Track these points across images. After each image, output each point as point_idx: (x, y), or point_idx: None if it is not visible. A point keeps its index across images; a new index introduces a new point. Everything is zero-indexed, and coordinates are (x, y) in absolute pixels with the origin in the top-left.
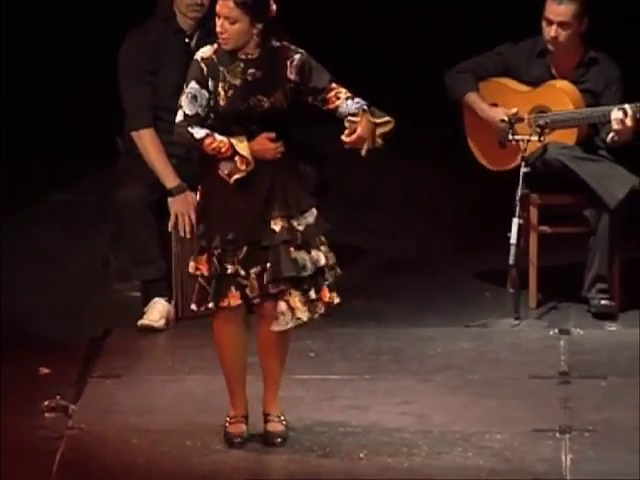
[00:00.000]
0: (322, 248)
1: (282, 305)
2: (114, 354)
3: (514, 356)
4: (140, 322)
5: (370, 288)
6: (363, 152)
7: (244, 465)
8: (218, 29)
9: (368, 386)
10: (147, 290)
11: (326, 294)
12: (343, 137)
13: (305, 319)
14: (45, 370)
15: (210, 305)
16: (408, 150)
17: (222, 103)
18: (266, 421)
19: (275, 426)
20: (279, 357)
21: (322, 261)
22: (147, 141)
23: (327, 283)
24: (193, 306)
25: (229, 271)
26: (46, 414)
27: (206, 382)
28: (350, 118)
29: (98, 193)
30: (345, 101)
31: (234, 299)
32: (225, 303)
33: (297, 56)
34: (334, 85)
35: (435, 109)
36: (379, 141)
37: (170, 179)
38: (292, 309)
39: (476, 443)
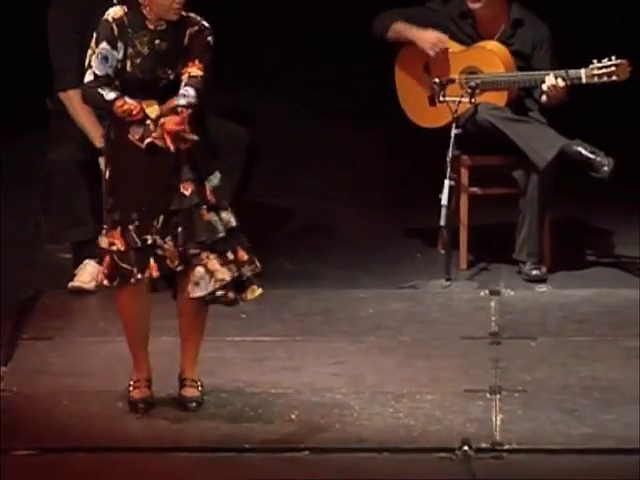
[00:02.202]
0: (229, 209)
1: (200, 270)
2: (45, 316)
3: (445, 317)
4: (71, 284)
5: (301, 249)
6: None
7: (175, 427)
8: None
9: (300, 347)
10: (78, 252)
11: (243, 255)
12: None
13: (228, 279)
14: None
15: (132, 280)
16: (339, 111)
17: (129, 69)
18: (182, 386)
19: (191, 391)
20: (199, 323)
21: (233, 222)
22: (75, 101)
23: (242, 244)
24: (105, 282)
25: (148, 242)
26: None
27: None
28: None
29: (28, 155)
30: (185, 81)
31: (154, 270)
32: (147, 274)
33: (196, 27)
34: (195, 62)
35: (366, 71)
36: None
37: (100, 138)
38: (211, 272)
39: (407, 404)
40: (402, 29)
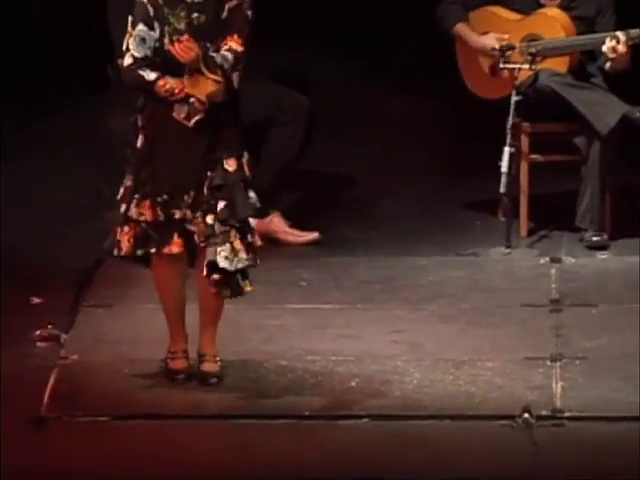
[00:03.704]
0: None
1: (228, 247)
2: (106, 283)
3: (506, 284)
4: None
5: (360, 217)
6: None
7: (236, 395)
8: None
9: (360, 315)
10: None
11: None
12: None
13: (247, 263)
14: (37, 300)
15: (152, 250)
16: (396, 76)
17: (167, 48)
18: (201, 361)
19: (210, 366)
20: (220, 298)
21: (258, 203)
22: None
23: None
24: (139, 252)
25: (176, 216)
26: (38, 343)
27: (196, 311)
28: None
29: (88, 122)
30: (226, 48)
31: (176, 246)
32: (167, 250)
33: (235, 1)
34: (235, 37)
35: (425, 36)
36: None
37: None
38: (235, 251)
39: (468, 371)
40: (464, 34)
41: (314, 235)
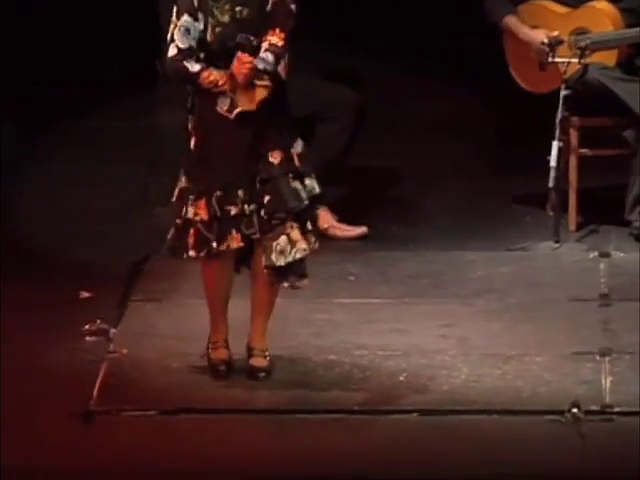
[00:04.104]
0: (313, 176)
1: (284, 239)
2: (154, 278)
3: (554, 279)
4: None
5: (408, 212)
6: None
7: (284, 389)
8: None
9: (408, 309)
10: None
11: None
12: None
13: (308, 250)
14: (86, 294)
15: (214, 245)
16: (443, 74)
17: (210, 39)
18: (250, 355)
19: (259, 361)
20: (272, 293)
21: (316, 189)
22: None
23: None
24: (191, 252)
25: (233, 212)
26: (87, 338)
27: (245, 306)
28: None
29: (136, 118)
30: (265, 47)
31: (235, 241)
32: (224, 247)
33: None
34: (276, 31)
35: (473, 29)
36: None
37: None
38: (293, 242)
39: (516, 366)
40: (514, 26)
41: (362, 230)
